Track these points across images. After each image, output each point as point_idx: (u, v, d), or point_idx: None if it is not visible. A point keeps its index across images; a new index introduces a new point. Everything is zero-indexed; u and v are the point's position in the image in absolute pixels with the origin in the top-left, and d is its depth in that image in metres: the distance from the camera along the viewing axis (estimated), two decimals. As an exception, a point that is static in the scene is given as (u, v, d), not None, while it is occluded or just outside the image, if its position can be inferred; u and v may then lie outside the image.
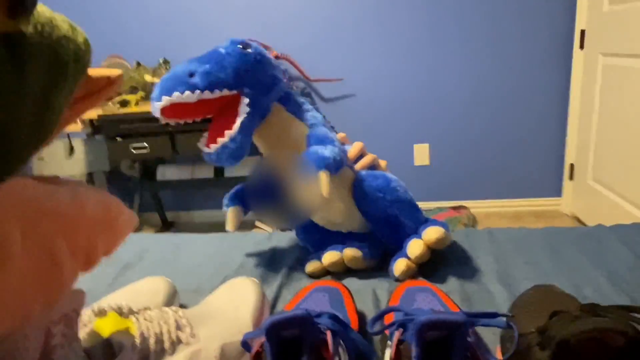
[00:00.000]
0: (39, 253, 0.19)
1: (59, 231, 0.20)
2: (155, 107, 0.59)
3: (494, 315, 0.43)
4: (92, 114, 2.00)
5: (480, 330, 0.52)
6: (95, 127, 2.17)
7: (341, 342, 0.46)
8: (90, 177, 2.46)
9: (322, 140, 0.65)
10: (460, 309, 0.53)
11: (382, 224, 0.70)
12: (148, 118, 1.98)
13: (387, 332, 0.51)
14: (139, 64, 2.27)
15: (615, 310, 0.36)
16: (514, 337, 0.43)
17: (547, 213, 2.33)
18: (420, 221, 0.70)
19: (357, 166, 0.71)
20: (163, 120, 0.62)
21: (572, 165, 2.21)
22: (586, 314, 0.37)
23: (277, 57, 2.24)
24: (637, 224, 0.76)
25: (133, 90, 2.12)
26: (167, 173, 2.34)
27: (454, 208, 2.28)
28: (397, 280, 0.67)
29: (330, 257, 0.69)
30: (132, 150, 2.03)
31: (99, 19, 2.38)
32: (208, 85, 0.58)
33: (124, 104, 2.02)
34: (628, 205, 1.78)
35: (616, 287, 0.59)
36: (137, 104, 2.05)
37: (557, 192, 2.33)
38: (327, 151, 0.62)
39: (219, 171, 2.28)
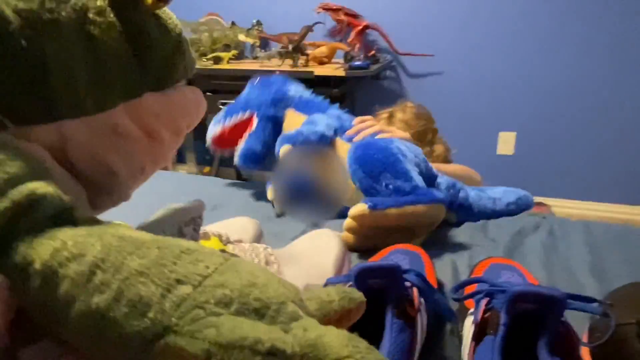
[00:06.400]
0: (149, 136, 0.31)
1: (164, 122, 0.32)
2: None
3: (591, 300, 0.41)
4: (187, 67, 2.10)
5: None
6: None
7: (422, 301, 0.47)
8: (178, 128, 2.62)
9: (308, 122, 0.77)
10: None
11: (366, 194, 0.68)
12: (238, 76, 2.05)
13: (467, 302, 0.51)
14: (233, 23, 2.34)
15: None
16: (609, 325, 0.41)
17: (638, 222, 2.13)
18: (400, 190, 0.64)
19: (357, 137, 0.75)
20: (215, 150, 0.89)
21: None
22: None
23: (367, 27, 2.21)
24: None
25: (226, 48, 2.20)
26: (247, 132, 2.44)
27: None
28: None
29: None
30: (220, 106, 2.12)
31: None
32: (226, 113, 0.87)
33: (217, 60, 2.11)
34: None
35: None
36: (229, 61, 2.13)
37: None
38: (295, 130, 0.74)
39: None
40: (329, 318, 0.24)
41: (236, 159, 0.83)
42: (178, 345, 0.18)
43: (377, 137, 0.74)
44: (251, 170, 0.85)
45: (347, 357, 0.18)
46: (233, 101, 0.89)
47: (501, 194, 0.81)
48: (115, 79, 0.28)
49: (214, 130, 0.86)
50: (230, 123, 0.83)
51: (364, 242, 0.65)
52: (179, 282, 0.20)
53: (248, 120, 0.84)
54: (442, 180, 0.75)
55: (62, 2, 0.25)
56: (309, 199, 0.79)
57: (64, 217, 0.22)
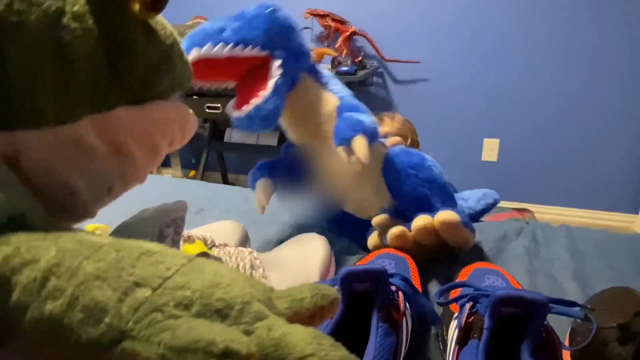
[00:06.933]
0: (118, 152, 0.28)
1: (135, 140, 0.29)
2: None
3: (573, 304, 0.42)
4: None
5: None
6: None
7: (407, 305, 0.47)
8: (163, 131, 2.60)
9: (355, 108, 0.62)
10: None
11: (411, 203, 0.65)
12: (225, 80, 2.04)
13: (451, 306, 0.51)
14: (221, 26, 2.34)
15: None
16: (590, 329, 0.41)
17: (618, 230, 2.17)
18: (450, 207, 0.64)
19: (387, 143, 0.70)
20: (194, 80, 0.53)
21: (656, 182, 2.04)
22: (682, 315, 0.35)
23: (354, 33, 2.22)
24: None
25: (213, 51, 2.19)
26: (234, 136, 2.43)
27: (517, 210, 2.18)
28: (387, 246, 0.63)
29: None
30: (206, 109, 2.11)
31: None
32: (240, 40, 0.55)
33: (204, 63, 2.10)
34: None
35: None
36: (215, 65, 2.13)
37: (634, 208, 2.16)
38: (362, 116, 0.60)
39: (282, 140, 2.33)
40: (300, 316, 0.23)
41: (243, 119, 0.55)
42: (135, 350, 0.18)
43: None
44: (258, 131, 0.61)
45: (310, 355, 0.18)
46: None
47: (469, 194, 0.84)
48: (82, 89, 0.25)
49: (199, 50, 0.52)
50: (240, 54, 0.54)
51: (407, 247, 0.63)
52: (137, 285, 0.19)
53: (260, 60, 0.57)
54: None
55: (35, 5, 0.23)
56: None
57: (17, 224, 0.21)
